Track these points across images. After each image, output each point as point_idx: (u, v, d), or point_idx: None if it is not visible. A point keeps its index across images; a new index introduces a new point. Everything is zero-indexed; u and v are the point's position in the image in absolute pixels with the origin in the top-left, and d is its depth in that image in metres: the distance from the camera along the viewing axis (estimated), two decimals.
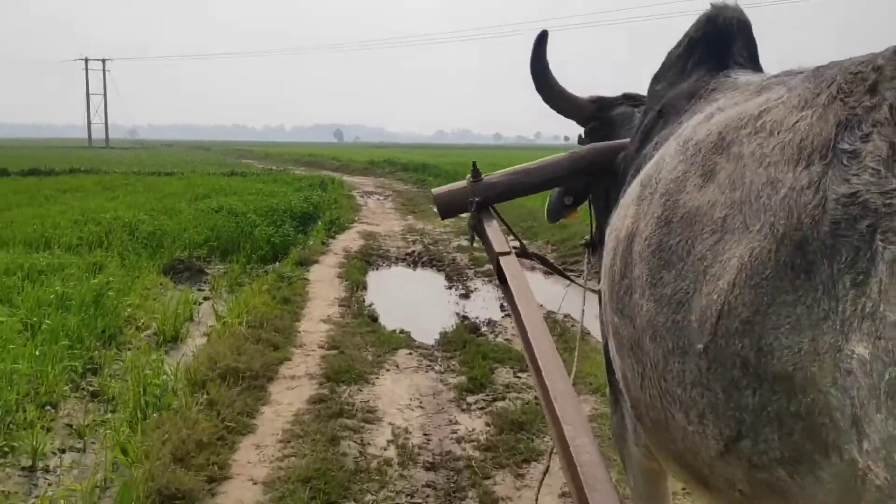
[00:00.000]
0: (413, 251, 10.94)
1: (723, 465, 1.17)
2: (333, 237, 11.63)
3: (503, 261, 2.02)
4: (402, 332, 6.51)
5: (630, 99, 2.41)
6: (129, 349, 5.91)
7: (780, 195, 1.06)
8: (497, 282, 2.12)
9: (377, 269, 9.88)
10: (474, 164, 2.44)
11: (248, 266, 9.60)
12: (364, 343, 5.98)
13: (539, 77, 2.33)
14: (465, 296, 8.28)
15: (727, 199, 1.17)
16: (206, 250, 10.22)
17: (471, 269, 9.84)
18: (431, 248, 11.22)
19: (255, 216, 11.85)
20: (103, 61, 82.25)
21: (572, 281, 2.71)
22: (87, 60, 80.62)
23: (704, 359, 1.14)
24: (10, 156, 38.78)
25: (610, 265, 1.55)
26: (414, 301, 8.06)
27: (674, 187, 1.34)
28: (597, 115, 2.41)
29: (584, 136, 2.48)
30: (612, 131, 2.34)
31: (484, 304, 7.93)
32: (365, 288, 8.54)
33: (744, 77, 1.64)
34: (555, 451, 1.63)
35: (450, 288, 8.74)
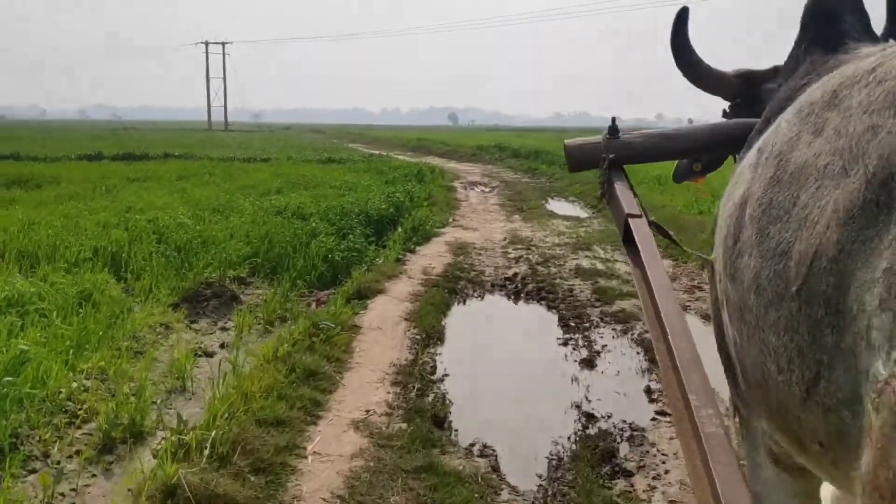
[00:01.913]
0: (516, 273, 8.17)
1: (805, 414, 1.18)
2: (413, 250, 9.02)
3: (633, 223, 1.93)
4: (481, 453, 3.82)
5: (779, 73, 2.08)
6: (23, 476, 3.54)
7: (878, 139, 1.09)
8: (624, 246, 1.97)
9: (463, 302, 7.20)
10: (613, 119, 2.29)
11: (292, 293, 7.20)
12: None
13: (681, 53, 2.20)
14: (589, 362, 5.45)
15: (831, 148, 1.18)
16: (248, 268, 7.91)
17: (595, 305, 6.99)
18: (541, 269, 8.40)
19: (321, 221, 9.46)
20: (223, 45, 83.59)
21: (694, 254, 2.51)
22: (207, 44, 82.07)
23: (796, 301, 1.16)
24: (119, 139, 39.04)
25: (725, 234, 1.52)
26: (509, 372, 5.31)
27: (786, 148, 1.34)
28: (743, 91, 2.25)
29: (727, 112, 2.34)
30: (760, 108, 1.97)
31: (620, 381, 5.09)
32: (440, 341, 5.88)
33: (864, 49, 1.57)
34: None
35: (566, 343, 5.93)
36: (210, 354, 5.74)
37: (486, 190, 19.13)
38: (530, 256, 9.00)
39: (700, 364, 1.40)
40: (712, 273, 1.68)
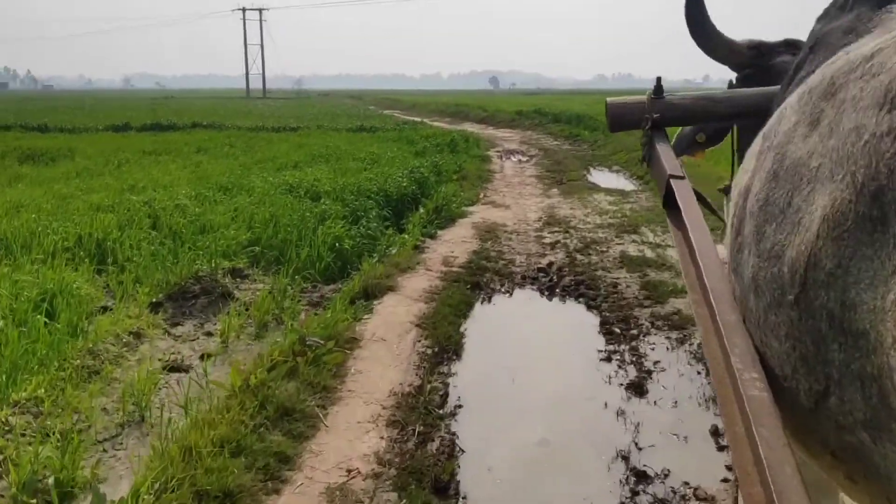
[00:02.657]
0: (551, 263, 7.09)
1: (815, 424, 1.17)
2: (435, 235, 7.97)
3: (675, 184, 1.84)
4: None
5: (792, 46, 2.23)
6: None
7: (863, 142, 1.05)
8: (665, 209, 1.88)
9: (488, 300, 6.16)
10: (658, 79, 2.18)
11: (293, 287, 6.27)
12: None
13: (694, 19, 2.18)
14: (639, 387, 4.38)
15: (823, 148, 1.15)
16: (248, 258, 6.99)
17: (644, 305, 5.89)
18: (580, 257, 7.30)
19: (334, 202, 8.48)
20: (260, 11, 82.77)
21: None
22: (244, 10, 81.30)
23: (796, 310, 1.14)
24: (154, 108, 38.55)
25: (730, 222, 1.52)
26: (538, 403, 4.27)
27: (784, 139, 1.30)
28: (754, 61, 2.24)
29: (735, 83, 2.33)
30: (770, 81, 2.10)
31: (678, 416, 4.03)
32: (455, 355, 4.87)
33: None
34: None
35: (608, 359, 4.87)
36: (185, 369, 4.85)
37: (524, 159, 17.92)
38: (568, 241, 7.88)
39: (742, 327, 1.33)
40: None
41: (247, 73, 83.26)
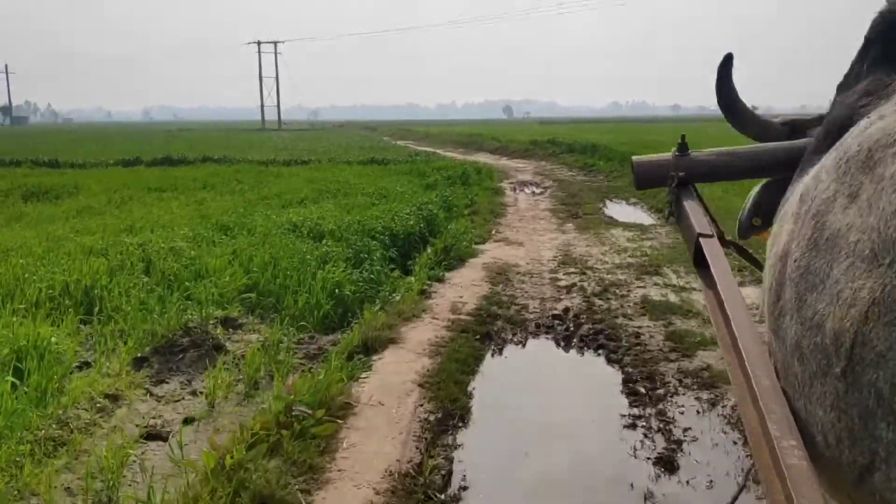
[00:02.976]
0: (567, 309, 6.59)
1: (859, 496, 1.17)
2: (442, 279, 7.49)
3: (704, 243, 1.84)
4: None
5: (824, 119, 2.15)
6: None
7: None
8: (695, 267, 1.91)
9: (499, 352, 5.66)
10: (683, 137, 2.20)
11: (288, 338, 5.83)
12: None
13: (728, 105, 2.19)
14: (668, 463, 3.86)
15: (863, 224, 1.17)
16: (244, 306, 6.57)
17: (671, 359, 5.37)
18: (598, 302, 6.80)
19: (336, 243, 8.07)
20: (275, 44, 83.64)
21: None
22: (259, 44, 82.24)
23: (843, 382, 1.14)
24: (168, 141, 38.66)
25: (768, 286, 1.50)
26: (555, 486, 3.75)
27: (824, 208, 1.30)
28: (790, 138, 2.20)
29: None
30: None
31: (713, 500, 3.50)
32: (462, 422, 4.38)
33: None
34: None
35: (633, 425, 4.35)
36: (164, 437, 4.40)
37: (538, 191, 17.50)
38: (585, 284, 7.38)
39: (780, 393, 1.32)
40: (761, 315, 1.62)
41: (262, 106, 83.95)
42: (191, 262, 7.47)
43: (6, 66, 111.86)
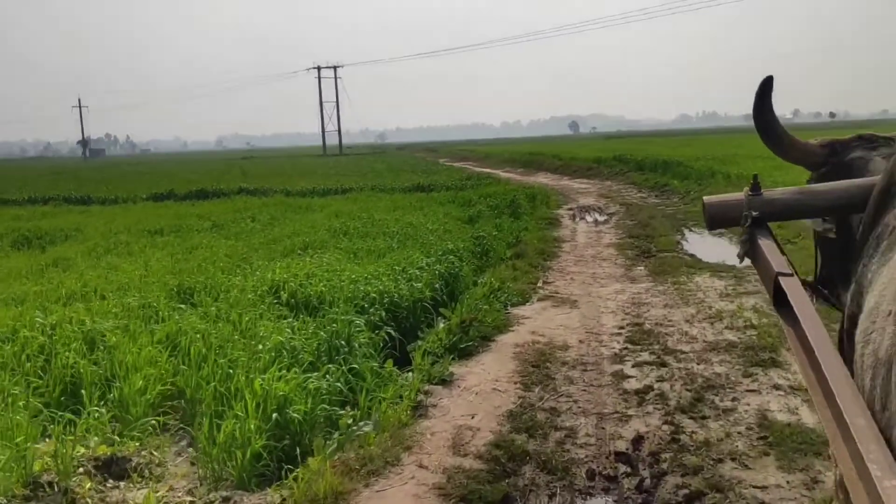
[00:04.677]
0: (640, 438, 4.14)
1: None
2: (450, 380, 5.06)
3: (784, 282, 1.82)
4: None
5: (865, 140, 2.24)
6: None
7: None
8: (775, 307, 1.87)
9: None
10: (755, 176, 2.17)
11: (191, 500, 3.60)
12: None
13: (766, 129, 2.21)
14: None
15: None
16: (142, 434, 4.40)
17: None
18: (688, 423, 4.31)
19: (309, 320, 5.84)
20: (334, 69, 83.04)
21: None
22: (319, 69, 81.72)
23: None
24: (218, 171, 37.73)
25: (869, 389, 1.40)
26: None
27: None
28: (829, 160, 2.24)
29: (812, 180, 2.29)
30: (846, 176, 2.11)
31: None
32: None
33: None
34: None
35: None
36: None
37: (601, 219, 14.96)
38: (667, 386, 4.87)
39: (875, 430, 1.27)
40: None
41: (322, 131, 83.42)
42: (105, 357, 5.37)
43: (79, 100, 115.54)
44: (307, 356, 5.07)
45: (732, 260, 9.27)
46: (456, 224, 11.81)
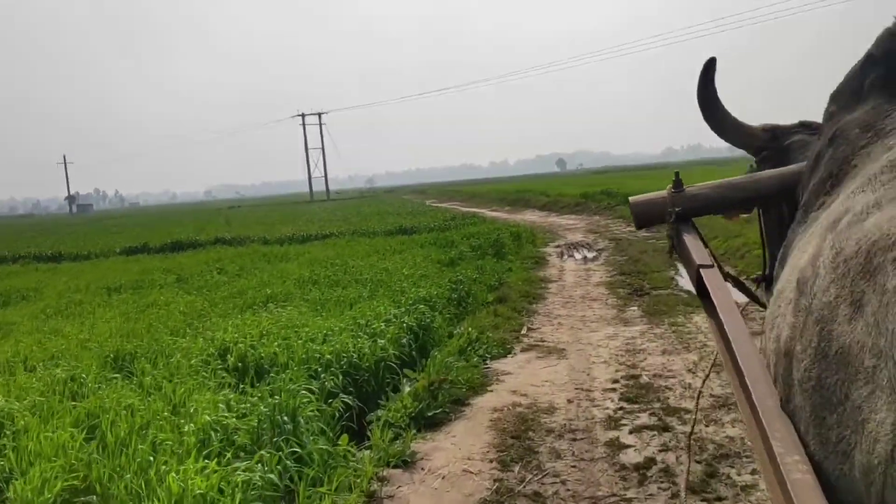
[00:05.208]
0: None
1: None
2: (412, 460, 4.23)
3: (704, 273, 1.91)
4: None
5: (807, 127, 2.25)
6: None
7: None
8: (699, 298, 1.96)
9: None
10: (677, 174, 2.25)
11: None
12: None
13: (707, 106, 2.23)
14: None
15: (874, 346, 1.06)
16: None
17: None
18: None
19: (251, 391, 5.02)
20: (319, 115, 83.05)
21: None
22: (303, 116, 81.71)
23: None
24: (201, 222, 37.02)
25: (773, 374, 1.41)
26: None
27: (827, 314, 1.21)
28: (770, 144, 2.26)
29: (755, 166, 2.34)
30: (787, 161, 2.17)
31: None
32: None
33: None
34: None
35: None
36: None
37: (589, 256, 14.24)
38: (671, 459, 4.06)
39: (782, 413, 1.31)
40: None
41: (309, 177, 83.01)
42: (8, 444, 4.54)
43: (65, 157, 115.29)
44: (243, 437, 4.25)
45: (733, 296, 8.51)
46: (435, 267, 11.03)
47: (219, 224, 34.23)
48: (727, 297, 1.78)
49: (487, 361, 6.26)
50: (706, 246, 2.09)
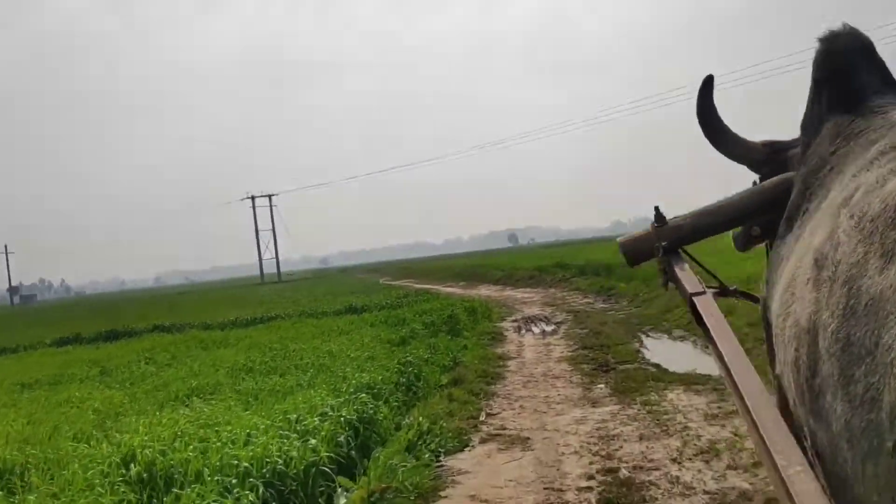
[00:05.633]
0: None
1: None
2: None
3: (698, 301, 1.95)
4: None
5: None
6: None
7: None
8: (698, 325, 1.95)
9: None
10: (657, 208, 2.30)
11: None
12: None
13: (707, 122, 2.21)
14: None
15: None
16: None
17: None
18: None
19: None
20: (269, 197, 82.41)
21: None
22: (253, 198, 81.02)
23: (894, 457, 1.02)
24: (144, 309, 35.49)
25: (794, 360, 1.38)
26: None
27: (856, 272, 1.21)
28: (770, 158, 2.23)
29: (758, 183, 2.31)
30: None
31: None
32: None
33: (893, 110, 1.55)
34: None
35: None
36: None
37: (548, 329, 13.54)
38: None
39: (785, 429, 1.37)
40: (780, 387, 1.56)
41: (260, 259, 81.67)
42: None
43: (6, 246, 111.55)
44: None
45: (704, 367, 7.86)
46: (384, 348, 10.18)
47: (161, 310, 32.85)
48: (720, 321, 1.82)
49: (441, 457, 5.40)
50: (705, 269, 2.18)
